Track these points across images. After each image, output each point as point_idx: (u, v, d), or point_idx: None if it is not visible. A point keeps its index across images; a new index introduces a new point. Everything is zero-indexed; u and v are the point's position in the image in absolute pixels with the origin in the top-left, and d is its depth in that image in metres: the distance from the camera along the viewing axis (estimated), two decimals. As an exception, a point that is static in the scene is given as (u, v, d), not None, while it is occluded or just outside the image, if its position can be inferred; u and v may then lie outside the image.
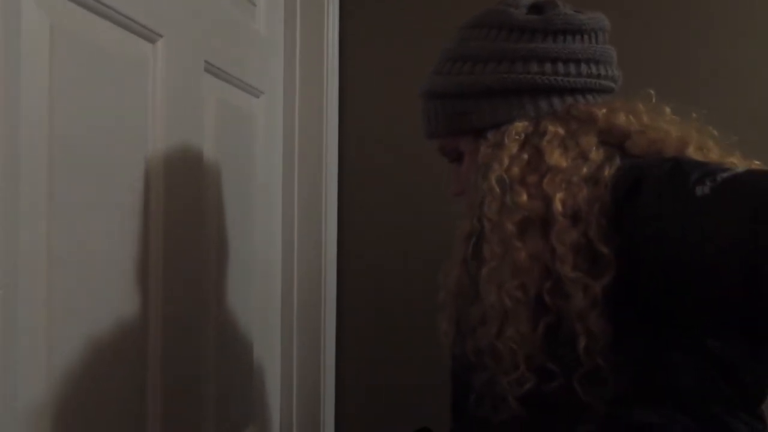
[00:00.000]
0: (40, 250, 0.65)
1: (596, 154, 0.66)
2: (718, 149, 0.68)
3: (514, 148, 0.69)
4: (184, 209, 0.93)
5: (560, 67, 0.70)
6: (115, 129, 0.77)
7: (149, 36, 0.84)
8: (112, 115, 0.76)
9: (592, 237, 0.61)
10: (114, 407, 0.78)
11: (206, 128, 1.01)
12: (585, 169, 0.64)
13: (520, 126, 0.70)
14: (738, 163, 0.65)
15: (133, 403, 0.83)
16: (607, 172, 0.63)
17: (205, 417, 1.03)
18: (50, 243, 0.66)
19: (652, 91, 0.74)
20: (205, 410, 1.03)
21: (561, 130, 0.69)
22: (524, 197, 0.66)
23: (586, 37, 0.71)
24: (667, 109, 0.73)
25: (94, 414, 0.74)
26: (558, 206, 0.63)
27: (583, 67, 0.70)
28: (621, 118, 0.69)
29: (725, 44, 1.23)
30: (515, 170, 0.68)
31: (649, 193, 0.58)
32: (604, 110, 0.70)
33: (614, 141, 0.68)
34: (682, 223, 0.55)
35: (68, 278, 0.69)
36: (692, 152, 0.67)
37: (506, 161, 0.68)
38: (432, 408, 1.36)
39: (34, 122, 0.63)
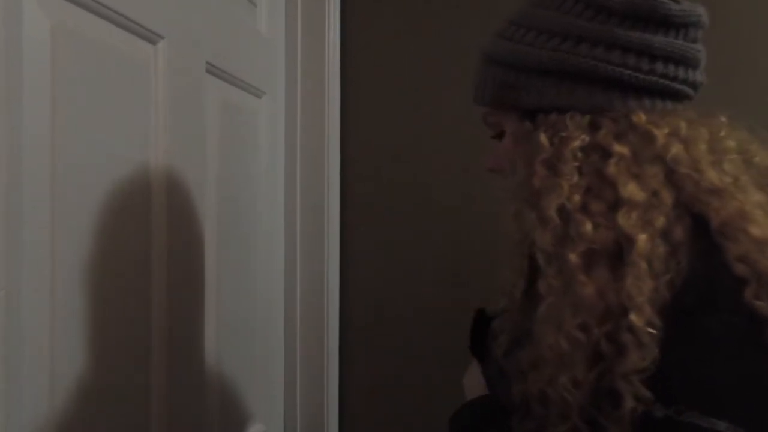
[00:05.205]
0: (44, 251, 0.65)
1: (666, 196, 0.59)
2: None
3: (572, 173, 0.60)
4: (186, 210, 0.93)
5: (631, 58, 0.60)
6: (117, 130, 0.77)
7: (150, 37, 0.84)
8: (114, 117, 0.77)
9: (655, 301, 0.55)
10: (118, 408, 0.78)
11: (208, 129, 1.01)
12: (663, 219, 0.57)
13: (575, 134, 0.61)
14: None
15: (137, 404, 0.83)
16: (679, 234, 0.57)
17: (209, 417, 1.03)
18: (53, 244, 0.66)
19: (724, 119, 0.66)
20: (209, 410, 1.03)
21: (626, 151, 0.60)
22: (588, 227, 0.58)
23: (672, 30, 0.61)
24: (731, 144, 0.64)
25: (99, 416, 0.74)
26: (642, 247, 0.56)
27: (658, 65, 0.61)
28: (675, 150, 0.60)
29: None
30: (576, 198, 0.60)
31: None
32: (665, 131, 0.61)
33: (674, 179, 0.61)
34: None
35: (72, 280, 0.69)
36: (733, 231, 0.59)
37: (566, 188, 0.60)
38: (435, 408, 1.36)
39: (36, 124, 0.63)
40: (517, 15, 0.68)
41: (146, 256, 0.84)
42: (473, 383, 0.83)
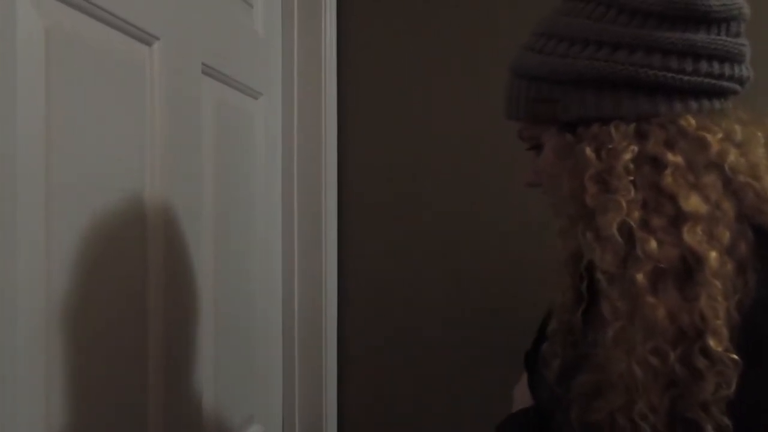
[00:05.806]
0: (39, 253, 0.65)
1: (728, 207, 0.57)
2: None
3: (628, 188, 0.57)
4: (182, 211, 0.93)
5: (672, 61, 0.58)
6: (112, 132, 0.77)
7: (145, 38, 0.83)
8: (110, 119, 0.76)
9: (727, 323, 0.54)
10: (115, 409, 0.78)
11: (205, 130, 1.01)
12: (727, 233, 0.55)
13: (623, 144, 0.58)
14: None
15: (134, 405, 0.83)
16: (743, 249, 0.56)
17: (208, 417, 1.03)
18: (48, 245, 0.66)
19: None
20: (207, 411, 1.03)
21: (680, 160, 0.57)
22: (653, 244, 0.56)
23: (714, 27, 0.58)
24: None
25: (96, 418, 0.74)
26: (714, 266, 0.54)
27: (702, 65, 0.58)
28: (733, 156, 0.58)
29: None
30: (636, 214, 0.57)
31: None
32: (719, 136, 0.58)
33: (732, 188, 0.59)
34: None
35: (67, 281, 0.69)
36: None
37: (624, 205, 0.57)
38: (434, 409, 1.36)
39: (30, 126, 0.63)
40: (543, 26, 0.65)
41: (142, 257, 0.84)
42: (522, 395, 0.80)
